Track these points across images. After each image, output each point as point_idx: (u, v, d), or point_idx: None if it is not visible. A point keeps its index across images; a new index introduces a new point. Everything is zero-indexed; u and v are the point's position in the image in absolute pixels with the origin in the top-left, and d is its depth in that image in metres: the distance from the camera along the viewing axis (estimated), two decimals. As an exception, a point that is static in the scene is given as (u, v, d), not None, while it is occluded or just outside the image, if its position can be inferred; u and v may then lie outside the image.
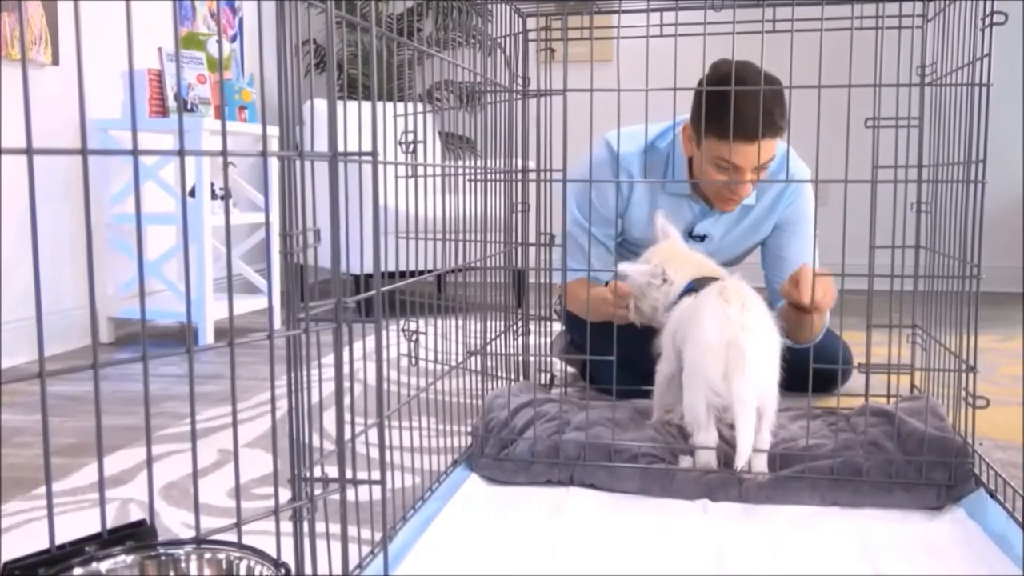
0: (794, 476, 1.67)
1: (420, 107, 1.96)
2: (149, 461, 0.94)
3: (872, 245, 1.72)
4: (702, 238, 2.34)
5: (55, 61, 3.09)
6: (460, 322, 2.00)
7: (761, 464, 1.69)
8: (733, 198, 2.16)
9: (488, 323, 2.04)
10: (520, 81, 2.13)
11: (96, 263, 3.33)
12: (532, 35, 2.14)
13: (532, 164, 2.10)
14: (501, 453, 1.78)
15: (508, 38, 2.11)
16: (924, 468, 1.64)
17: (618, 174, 2.21)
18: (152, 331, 3.66)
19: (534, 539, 1.49)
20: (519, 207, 2.14)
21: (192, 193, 3.31)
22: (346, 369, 1.07)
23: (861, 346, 1.76)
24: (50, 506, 0.87)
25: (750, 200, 2.29)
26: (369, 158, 1.10)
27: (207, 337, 3.30)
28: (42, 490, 1.75)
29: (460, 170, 2.01)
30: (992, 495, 1.58)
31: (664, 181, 2.26)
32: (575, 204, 2.23)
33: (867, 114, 1.67)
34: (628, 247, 2.37)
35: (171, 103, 3.33)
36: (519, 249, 2.18)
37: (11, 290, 2.93)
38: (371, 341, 2.75)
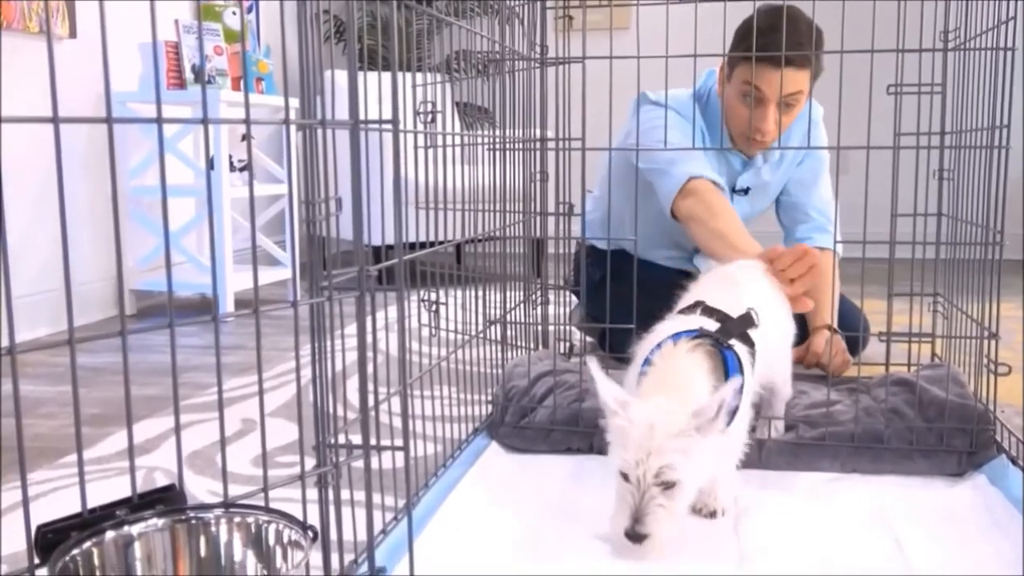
0: (815, 443, 1.67)
1: (438, 77, 1.95)
2: (177, 426, 0.95)
3: (894, 213, 1.71)
4: (746, 191, 2.33)
5: (72, 34, 3.09)
6: (480, 292, 2.00)
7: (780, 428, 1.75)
8: (756, 136, 2.15)
9: (508, 293, 2.05)
10: (538, 49, 2.12)
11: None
12: (550, 2, 2.12)
13: (551, 133, 2.09)
14: (521, 421, 1.79)
15: (525, 6, 2.10)
16: (945, 435, 1.64)
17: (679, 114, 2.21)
18: (172, 303, 3.68)
19: (554, 506, 1.50)
20: (538, 176, 2.14)
21: (211, 165, 3.32)
22: (369, 338, 1.07)
23: (882, 315, 1.75)
24: (81, 470, 0.88)
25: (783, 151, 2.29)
26: (389, 126, 1.10)
27: (227, 308, 3.32)
28: (67, 459, 1.77)
29: (479, 139, 2.00)
30: (1014, 461, 1.58)
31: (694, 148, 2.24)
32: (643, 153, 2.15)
33: (889, 80, 1.65)
34: None
35: (188, 75, 3.33)
36: (538, 219, 2.18)
37: (29, 264, 2.95)
38: (392, 311, 2.76)
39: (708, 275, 1.70)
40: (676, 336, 1.42)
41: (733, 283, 1.62)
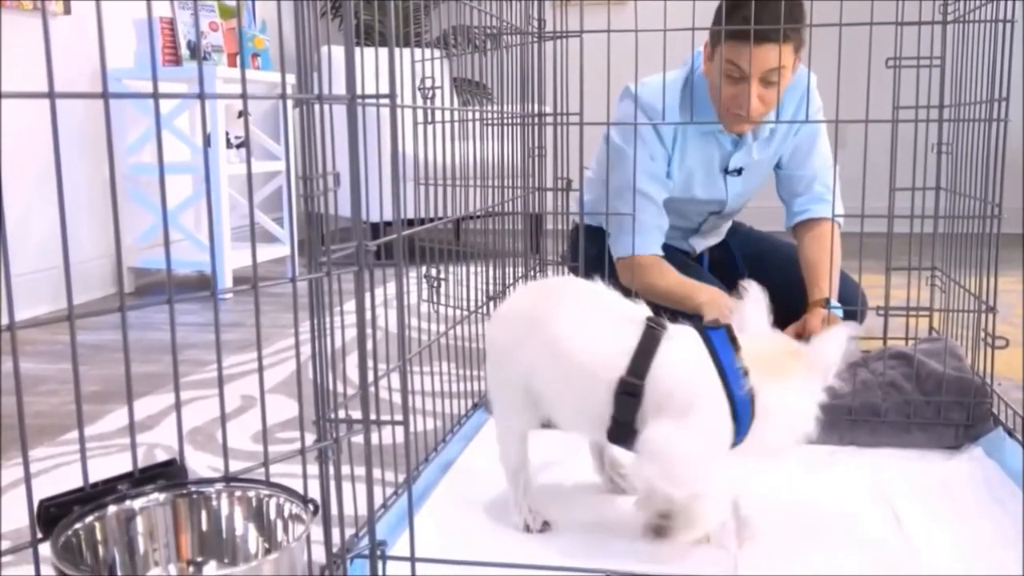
0: (812, 417, 1.68)
1: (435, 53, 1.95)
2: (178, 403, 0.96)
3: (892, 187, 1.71)
4: (739, 171, 2.32)
5: (67, 10, 3.07)
6: (478, 268, 2.00)
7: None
8: (740, 113, 2.12)
9: (506, 268, 2.05)
10: (536, 23, 2.11)
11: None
12: (548, -24, 2.11)
13: (548, 108, 2.08)
14: (520, 397, 1.79)
15: (523, -20, 2.08)
16: (942, 408, 1.64)
17: (648, 118, 2.18)
18: (171, 280, 3.69)
19: (553, 480, 1.51)
20: (535, 152, 2.13)
21: (207, 142, 3.30)
22: (368, 314, 1.07)
23: (880, 289, 1.75)
24: (82, 446, 0.88)
25: (773, 127, 2.27)
26: (386, 101, 1.09)
27: (226, 285, 3.32)
28: (68, 436, 1.78)
29: (476, 115, 2.00)
30: (1011, 434, 1.59)
31: (684, 123, 2.24)
32: (617, 170, 2.12)
33: (888, 53, 1.64)
34: (693, 206, 2.35)
35: (184, 51, 3.31)
36: (535, 194, 2.18)
37: (29, 242, 2.95)
38: (391, 287, 2.76)
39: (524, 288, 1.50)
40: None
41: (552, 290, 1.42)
